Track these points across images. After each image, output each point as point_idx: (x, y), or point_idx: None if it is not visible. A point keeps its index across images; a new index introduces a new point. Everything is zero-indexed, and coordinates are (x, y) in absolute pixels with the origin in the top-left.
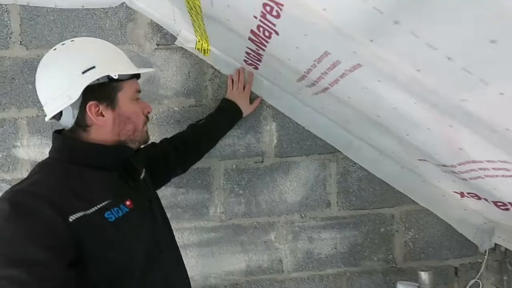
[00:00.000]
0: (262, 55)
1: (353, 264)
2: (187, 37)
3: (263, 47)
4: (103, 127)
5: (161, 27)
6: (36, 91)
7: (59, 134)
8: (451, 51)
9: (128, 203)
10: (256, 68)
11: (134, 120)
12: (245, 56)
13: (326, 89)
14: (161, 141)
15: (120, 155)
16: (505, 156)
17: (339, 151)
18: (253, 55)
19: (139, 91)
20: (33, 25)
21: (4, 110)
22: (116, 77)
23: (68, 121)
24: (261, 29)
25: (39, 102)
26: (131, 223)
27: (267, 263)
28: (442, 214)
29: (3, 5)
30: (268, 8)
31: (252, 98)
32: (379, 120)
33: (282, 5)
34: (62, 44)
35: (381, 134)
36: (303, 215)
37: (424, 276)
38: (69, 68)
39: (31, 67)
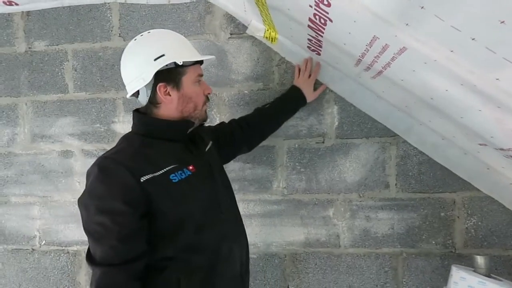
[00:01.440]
0: (322, 41)
1: (410, 245)
2: (256, 26)
3: (321, 33)
4: (169, 105)
5: (234, 18)
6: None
7: (137, 113)
8: (473, 32)
9: (191, 167)
10: (319, 53)
11: (195, 100)
12: (308, 43)
13: (380, 72)
14: (230, 121)
15: (183, 128)
16: None
17: (400, 135)
18: (314, 42)
19: (201, 75)
20: (129, 20)
21: (106, 91)
22: (181, 63)
23: (143, 99)
24: (317, 17)
25: None
26: (192, 185)
27: (325, 237)
28: (508, 203)
29: (107, 3)
30: None
31: (316, 86)
32: (433, 103)
33: None
34: (141, 35)
35: (439, 118)
36: (361, 195)
37: (480, 260)
38: (144, 56)
39: None
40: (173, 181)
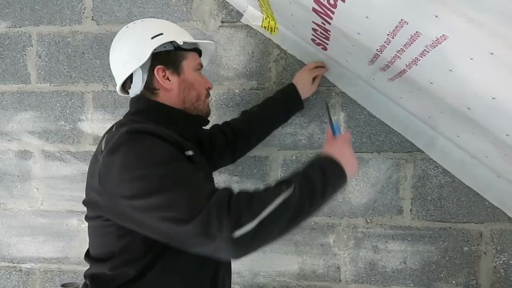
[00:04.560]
0: (330, 31)
1: (426, 285)
2: (253, 13)
3: (328, 19)
4: (169, 91)
5: (227, 3)
6: (106, 65)
7: (142, 97)
8: None
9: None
10: (325, 48)
11: (197, 88)
12: (313, 34)
13: (402, 72)
14: (211, 127)
15: (198, 123)
16: None
17: (418, 151)
18: (320, 32)
19: (201, 66)
20: (104, 1)
21: (73, 83)
22: (181, 44)
23: (137, 84)
24: None
25: (104, 77)
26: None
27: (323, 269)
28: None
29: None
30: None
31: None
32: (470, 114)
33: None
34: (134, 23)
35: (472, 133)
36: (368, 220)
37: None
38: (140, 35)
39: (100, 42)
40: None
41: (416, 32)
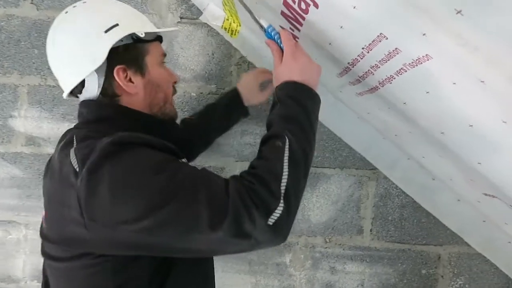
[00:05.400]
0: (298, 38)
1: None
2: (214, 12)
3: (298, 25)
4: (134, 96)
5: None
6: (45, 56)
7: (103, 102)
8: None
9: None
10: None
11: (165, 88)
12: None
13: (374, 88)
14: None
15: (169, 130)
16: None
17: None
18: None
19: (165, 55)
20: None
21: (5, 74)
22: (142, 36)
23: (92, 92)
24: None
25: (43, 69)
26: None
27: None
28: (503, 264)
29: None
30: None
31: None
32: (442, 139)
33: None
34: (74, 7)
35: (440, 157)
36: (327, 240)
37: None
38: (89, 28)
39: (39, 29)
40: None
41: (396, 48)
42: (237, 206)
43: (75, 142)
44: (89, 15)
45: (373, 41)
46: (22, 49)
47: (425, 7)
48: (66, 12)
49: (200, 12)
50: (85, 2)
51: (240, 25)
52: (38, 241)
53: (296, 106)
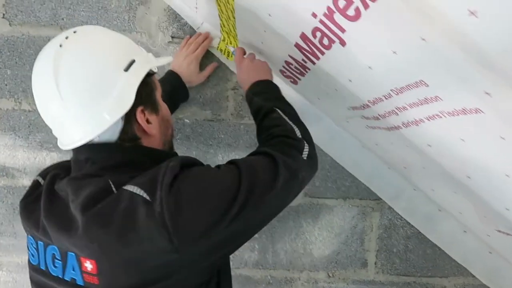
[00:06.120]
0: (309, 69)
1: None
2: (209, 32)
3: (314, 58)
4: (152, 138)
5: (179, 15)
6: (20, 77)
7: (126, 145)
8: None
9: None
10: (295, 82)
11: (171, 123)
12: (284, 67)
13: (394, 128)
14: None
15: None
16: None
17: None
18: (295, 67)
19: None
20: None
21: None
22: (156, 71)
23: (111, 136)
24: (318, 34)
25: (17, 92)
26: None
27: None
28: None
29: None
30: (342, 4)
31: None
32: (467, 182)
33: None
34: (66, 38)
35: (455, 193)
36: (330, 274)
37: None
38: (102, 65)
39: (12, 47)
40: None
41: (436, 96)
42: (282, 158)
43: (114, 186)
44: (98, 51)
45: (408, 85)
46: None
47: (492, 65)
48: (61, 46)
49: (193, 32)
50: (75, 32)
51: (237, 47)
52: (12, 283)
53: (264, 93)
